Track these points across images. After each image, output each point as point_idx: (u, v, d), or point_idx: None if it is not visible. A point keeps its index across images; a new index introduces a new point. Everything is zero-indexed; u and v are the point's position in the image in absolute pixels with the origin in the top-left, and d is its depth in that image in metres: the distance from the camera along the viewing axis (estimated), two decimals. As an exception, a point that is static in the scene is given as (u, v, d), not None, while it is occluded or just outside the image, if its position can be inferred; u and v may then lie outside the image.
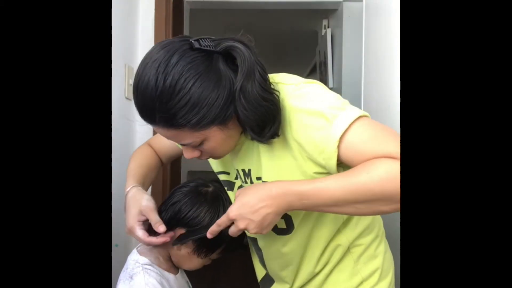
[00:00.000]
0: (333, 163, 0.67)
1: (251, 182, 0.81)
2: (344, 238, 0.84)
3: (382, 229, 0.92)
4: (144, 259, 0.88)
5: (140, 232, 0.82)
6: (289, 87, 0.73)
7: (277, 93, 0.71)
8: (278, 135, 0.71)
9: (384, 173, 0.62)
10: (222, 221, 0.74)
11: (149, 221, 0.84)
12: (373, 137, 0.66)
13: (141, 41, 1.66)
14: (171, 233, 0.85)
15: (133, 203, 0.85)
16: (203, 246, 0.89)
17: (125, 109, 1.55)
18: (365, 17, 1.61)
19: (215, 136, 0.71)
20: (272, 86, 0.71)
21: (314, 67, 3.38)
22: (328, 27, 2.65)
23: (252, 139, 0.73)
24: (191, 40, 0.69)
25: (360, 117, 0.66)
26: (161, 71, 0.65)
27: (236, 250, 0.93)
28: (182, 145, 0.74)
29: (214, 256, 0.93)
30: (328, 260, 0.85)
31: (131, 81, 1.56)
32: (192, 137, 0.70)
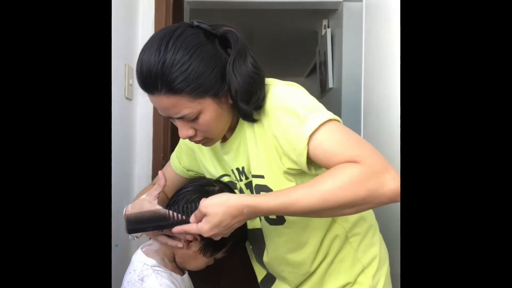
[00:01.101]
0: (303, 160, 0.73)
1: (246, 179, 0.85)
2: (341, 228, 0.87)
3: (375, 219, 0.96)
4: (152, 261, 0.88)
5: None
6: (271, 87, 0.80)
7: (262, 73, 0.80)
8: (260, 107, 0.78)
9: (348, 179, 0.67)
10: (190, 231, 0.77)
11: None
12: (339, 140, 0.72)
13: (141, 41, 1.66)
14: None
15: (136, 201, 0.89)
16: (210, 244, 0.89)
17: (125, 109, 1.55)
18: (365, 17, 1.61)
19: (209, 109, 0.76)
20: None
21: (314, 67, 3.38)
22: (328, 27, 2.65)
23: (240, 111, 0.78)
24: (191, 21, 0.78)
25: (330, 120, 0.73)
26: (165, 42, 0.73)
27: (241, 246, 0.94)
28: (179, 119, 0.77)
29: (219, 255, 0.93)
30: (327, 251, 0.88)
31: (131, 81, 1.56)
32: (189, 107, 0.74)
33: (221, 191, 0.90)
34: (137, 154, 1.67)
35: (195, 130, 0.79)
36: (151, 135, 1.69)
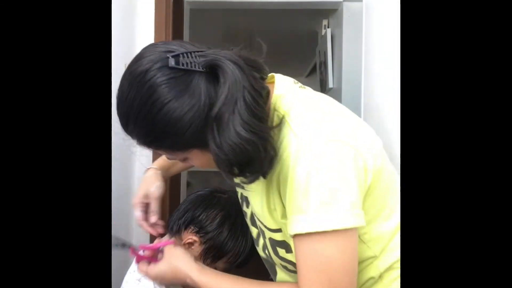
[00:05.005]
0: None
1: (247, 207, 0.83)
2: (376, 270, 0.74)
3: None
4: None
5: (138, 213, 0.91)
6: (302, 143, 0.62)
7: (262, 135, 0.60)
8: (265, 177, 0.63)
9: None
10: (141, 268, 0.85)
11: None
12: (311, 260, 0.61)
13: (141, 41, 1.65)
14: (159, 230, 0.90)
15: (144, 184, 0.93)
16: (210, 252, 0.90)
17: (125, 109, 1.54)
18: (365, 17, 1.61)
19: (197, 157, 0.67)
20: (266, 116, 0.63)
21: (314, 67, 3.38)
22: (328, 27, 2.65)
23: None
24: (169, 56, 0.61)
25: (327, 232, 0.58)
26: (135, 87, 0.62)
27: (243, 265, 0.94)
28: None
29: (220, 264, 0.93)
30: None
31: (131, 81, 1.55)
32: (173, 155, 0.69)
33: (229, 199, 0.92)
34: (137, 154, 1.67)
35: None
36: (151, 136, 1.69)
